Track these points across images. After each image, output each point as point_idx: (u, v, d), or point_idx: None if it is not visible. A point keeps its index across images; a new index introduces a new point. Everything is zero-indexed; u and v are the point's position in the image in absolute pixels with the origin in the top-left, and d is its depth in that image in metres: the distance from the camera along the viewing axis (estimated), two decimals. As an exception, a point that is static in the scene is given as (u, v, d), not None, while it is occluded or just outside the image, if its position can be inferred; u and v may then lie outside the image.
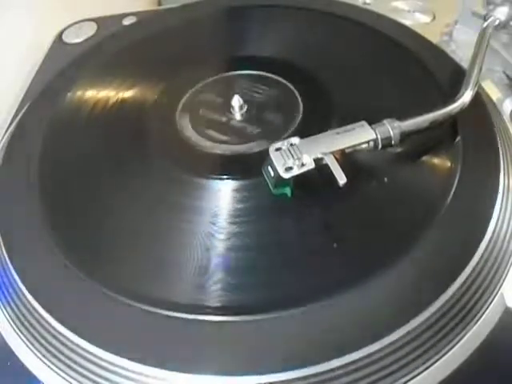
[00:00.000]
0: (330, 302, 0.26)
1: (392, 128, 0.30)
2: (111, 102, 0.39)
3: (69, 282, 0.28)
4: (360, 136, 0.30)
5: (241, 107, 0.36)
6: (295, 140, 0.30)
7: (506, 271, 0.28)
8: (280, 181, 0.29)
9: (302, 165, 0.29)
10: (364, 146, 0.30)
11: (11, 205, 0.33)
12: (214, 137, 0.35)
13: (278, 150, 0.30)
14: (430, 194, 0.30)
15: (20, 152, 0.36)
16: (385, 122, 0.31)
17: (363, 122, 0.31)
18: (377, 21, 0.42)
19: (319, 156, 0.29)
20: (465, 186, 0.30)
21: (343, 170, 0.28)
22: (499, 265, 0.28)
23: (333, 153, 0.29)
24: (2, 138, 0.39)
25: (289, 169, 0.29)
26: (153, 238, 0.30)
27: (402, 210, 0.30)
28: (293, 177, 0.29)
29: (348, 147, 0.30)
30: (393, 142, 0.31)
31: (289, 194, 0.30)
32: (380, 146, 0.30)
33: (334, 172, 0.28)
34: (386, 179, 0.31)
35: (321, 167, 0.29)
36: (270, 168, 0.30)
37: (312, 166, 0.29)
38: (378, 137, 0.30)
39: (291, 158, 0.29)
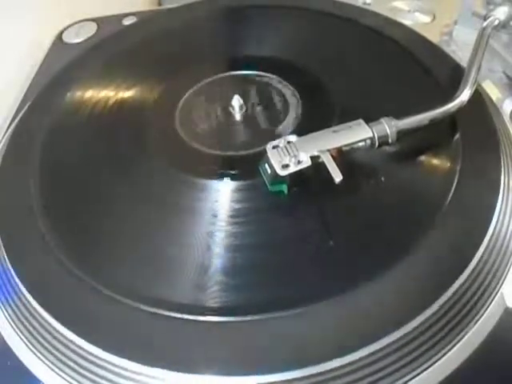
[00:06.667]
0: (329, 302, 0.26)
1: (389, 126, 0.30)
2: (111, 102, 0.39)
3: (69, 282, 0.28)
4: (357, 134, 0.30)
5: (241, 107, 0.36)
6: (292, 138, 0.30)
7: (506, 271, 0.28)
8: (277, 178, 0.29)
9: (299, 162, 0.29)
10: (361, 144, 0.30)
11: (11, 205, 0.33)
12: (213, 137, 0.35)
13: (275, 147, 0.30)
14: (429, 194, 0.30)
15: (20, 152, 0.36)
16: (382, 120, 0.31)
17: (360, 121, 0.31)
18: (377, 21, 0.42)
19: (316, 154, 0.29)
20: (465, 186, 0.30)
21: (342, 169, 0.28)
22: (499, 265, 0.28)
23: (329, 150, 0.29)
24: (2, 137, 0.39)
25: (285, 166, 0.29)
26: (153, 238, 0.30)
27: (401, 209, 0.30)
28: (289, 174, 0.29)
29: (345, 145, 0.30)
30: (390, 141, 0.31)
31: (285, 192, 0.30)
32: (377, 145, 0.31)
33: (330, 170, 0.28)
34: (383, 178, 0.31)
35: (319, 166, 0.29)
36: (266, 165, 0.30)
37: (308, 163, 0.29)
38: (375, 135, 0.30)
39: (288, 155, 0.29)
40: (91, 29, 0.49)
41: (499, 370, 0.26)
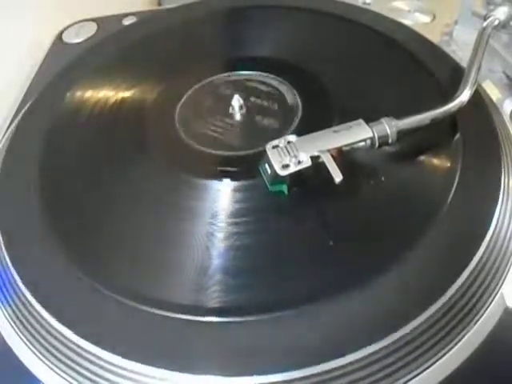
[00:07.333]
0: (329, 303, 0.26)
1: (389, 126, 0.30)
2: (111, 102, 0.39)
3: (69, 283, 0.28)
4: (357, 134, 0.30)
5: (240, 107, 0.36)
6: (292, 137, 0.30)
7: (506, 271, 0.28)
8: (277, 178, 0.29)
9: (299, 162, 0.29)
10: (361, 144, 0.30)
11: (11, 205, 0.33)
12: (213, 137, 0.35)
13: (275, 147, 0.30)
14: (430, 194, 0.30)
15: (20, 152, 0.36)
16: (382, 120, 0.31)
17: (360, 121, 0.31)
18: (377, 21, 0.42)
19: (316, 154, 0.29)
20: (465, 186, 0.30)
21: (342, 169, 0.28)
22: (499, 265, 0.28)
23: (329, 150, 0.29)
24: (2, 138, 0.39)
25: (285, 166, 0.29)
26: (153, 238, 0.30)
27: (401, 209, 0.30)
28: (289, 174, 0.29)
29: (345, 145, 0.30)
30: (390, 141, 0.31)
31: (285, 192, 0.30)
32: (377, 145, 0.31)
33: (331, 170, 0.29)
34: (383, 178, 0.31)
35: (319, 166, 0.29)
36: (266, 165, 0.30)
37: (309, 163, 0.29)
38: (375, 135, 0.30)
39: (288, 155, 0.29)
40: (91, 29, 0.49)
41: (499, 370, 0.26)
